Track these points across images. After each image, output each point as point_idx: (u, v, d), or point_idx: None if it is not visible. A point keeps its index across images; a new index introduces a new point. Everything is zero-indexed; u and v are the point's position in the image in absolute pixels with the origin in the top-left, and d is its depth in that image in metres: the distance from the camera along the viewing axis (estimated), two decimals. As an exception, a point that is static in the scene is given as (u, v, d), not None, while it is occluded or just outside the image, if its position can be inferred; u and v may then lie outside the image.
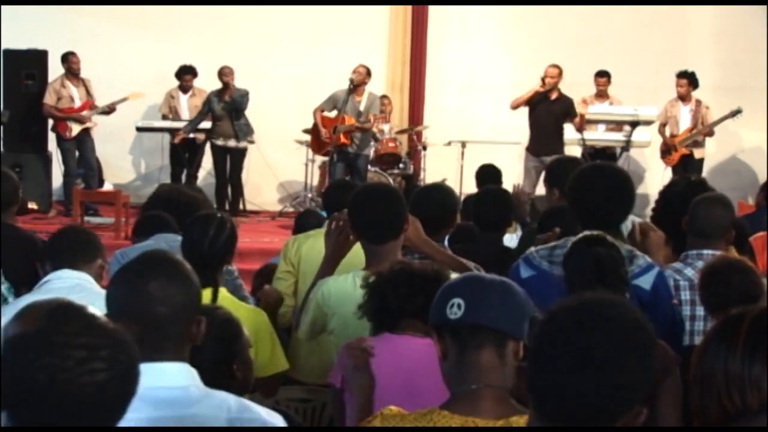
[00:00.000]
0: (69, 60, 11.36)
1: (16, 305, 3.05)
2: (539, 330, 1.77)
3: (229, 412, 2.24)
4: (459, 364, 2.26)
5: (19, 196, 4.89)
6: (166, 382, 2.18)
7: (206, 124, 11.45)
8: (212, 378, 2.41)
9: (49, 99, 11.36)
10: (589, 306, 1.77)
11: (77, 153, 11.45)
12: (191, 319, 2.30)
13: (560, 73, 10.72)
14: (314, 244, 5.08)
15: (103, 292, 2.97)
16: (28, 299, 3.01)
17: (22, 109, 11.51)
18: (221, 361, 2.73)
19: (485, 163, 8.25)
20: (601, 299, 1.81)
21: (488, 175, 7.75)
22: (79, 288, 3.59)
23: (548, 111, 10.66)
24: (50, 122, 11.58)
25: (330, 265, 3.79)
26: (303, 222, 6.37)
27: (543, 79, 10.66)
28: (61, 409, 1.65)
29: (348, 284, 3.67)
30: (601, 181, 3.88)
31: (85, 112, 11.33)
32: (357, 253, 3.88)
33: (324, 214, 5.73)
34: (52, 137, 11.72)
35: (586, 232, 3.52)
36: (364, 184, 3.96)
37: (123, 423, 1.77)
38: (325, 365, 3.79)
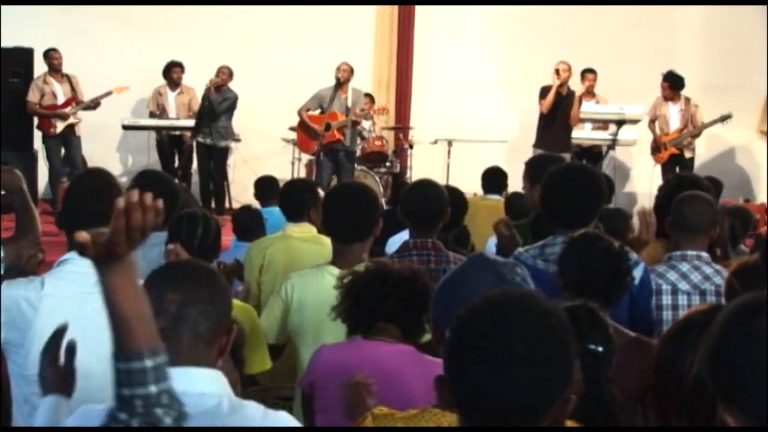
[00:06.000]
0: (50, 56, 11.27)
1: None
2: (452, 336, 1.72)
3: (263, 422, 2.19)
4: None
5: None
6: (198, 388, 2.13)
7: (191, 122, 11.36)
8: None
9: (32, 96, 11.26)
10: (498, 303, 1.73)
11: (63, 151, 11.38)
12: (224, 326, 2.25)
13: (569, 69, 10.78)
14: (280, 246, 5.11)
15: None
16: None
17: (8, 107, 11.41)
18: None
19: (492, 165, 8.06)
20: (508, 295, 1.77)
21: (494, 177, 7.66)
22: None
23: (558, 107, 10.63)
24: (35, 120, 11.52)
25: None
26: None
27: (557, 73, 10.65)
28: None
29: (313, 279, 3.70)
30: (568, 182, 3.89)
31: (68, 109, 11.26)
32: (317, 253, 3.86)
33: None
34: (38, 135, 11.66)
35: (582, 230, 3.48)
36: (340, 184, 3.98)
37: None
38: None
